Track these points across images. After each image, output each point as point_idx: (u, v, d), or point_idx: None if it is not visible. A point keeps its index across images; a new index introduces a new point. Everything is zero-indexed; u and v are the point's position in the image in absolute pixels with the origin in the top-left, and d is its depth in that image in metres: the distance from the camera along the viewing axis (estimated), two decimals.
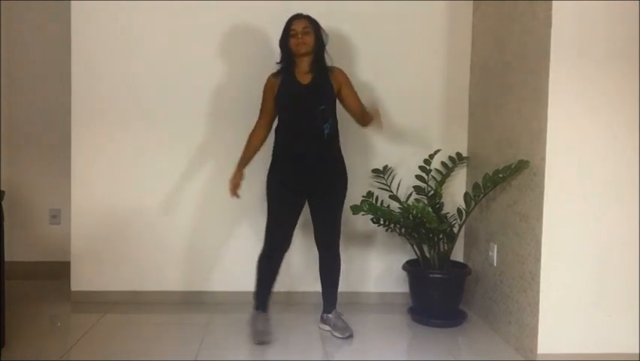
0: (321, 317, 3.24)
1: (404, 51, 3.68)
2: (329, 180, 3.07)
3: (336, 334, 3.11)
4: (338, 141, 3.11)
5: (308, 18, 3.05)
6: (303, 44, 2.99)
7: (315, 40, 3.03)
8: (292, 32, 3.00)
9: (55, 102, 4.02)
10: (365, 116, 3.12)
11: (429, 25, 3.68)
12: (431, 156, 3.57)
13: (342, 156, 3.13)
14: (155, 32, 3.57)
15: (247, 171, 3.10)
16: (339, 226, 3.16)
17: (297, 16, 3.05)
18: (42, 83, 4.14)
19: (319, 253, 3.18)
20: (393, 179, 3.64)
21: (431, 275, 3.36)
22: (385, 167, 3.62)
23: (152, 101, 3.60)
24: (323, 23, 3.54)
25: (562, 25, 2.71)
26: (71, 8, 3.53)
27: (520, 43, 3.02)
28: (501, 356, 2.93)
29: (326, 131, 2.98)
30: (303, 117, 3.00)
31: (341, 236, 3.57)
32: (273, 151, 3.10)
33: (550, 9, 2.71)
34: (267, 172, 3.10)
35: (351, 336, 3.09)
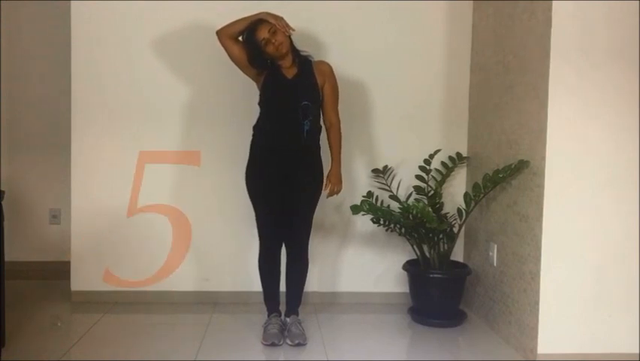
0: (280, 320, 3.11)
1: (404, 51, 3.68)
2: (303, 178, 3.01)
3: (287, 341, 2.98)
4: (318, 140, 3.06)
5: (261, 21, 2.91)
6: (281, 44, 2.91)
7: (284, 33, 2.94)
8: (263, 41, 2.90)
9: (55, 102, 4.02)
10: (332, 134, 3.09)
11: (429, 25, 3.68)
12: (431, 156, 3.57)
13: (320, 156, 3.07)
14: (155, 32, 3.57)
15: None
16: (310, 225, 3.08)
17: (254, 27, 2.91)
18: (42, 83, 4.14)
19: (287, 251, 3.11)
20: (393, 179, 3.63)
21: (431, 275, 3.36)
22: (385, 167, 3.62)
23: (152, 100, 3.59)
24: (322, 24, 3.55)
25: (562, 25, 2.71)
26: (71, 8, 3.53)
27: (520, 43, 3.02)
28: (501, 356, 2.93)
29: (305, 128, 2.95)
30: (285, 112, 2.96)
31: (341, 236, 3.57)
32: (251, 147, 3.07)
33: (550, 9, 2.71)
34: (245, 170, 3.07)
35: (300, 344, 2.95)
